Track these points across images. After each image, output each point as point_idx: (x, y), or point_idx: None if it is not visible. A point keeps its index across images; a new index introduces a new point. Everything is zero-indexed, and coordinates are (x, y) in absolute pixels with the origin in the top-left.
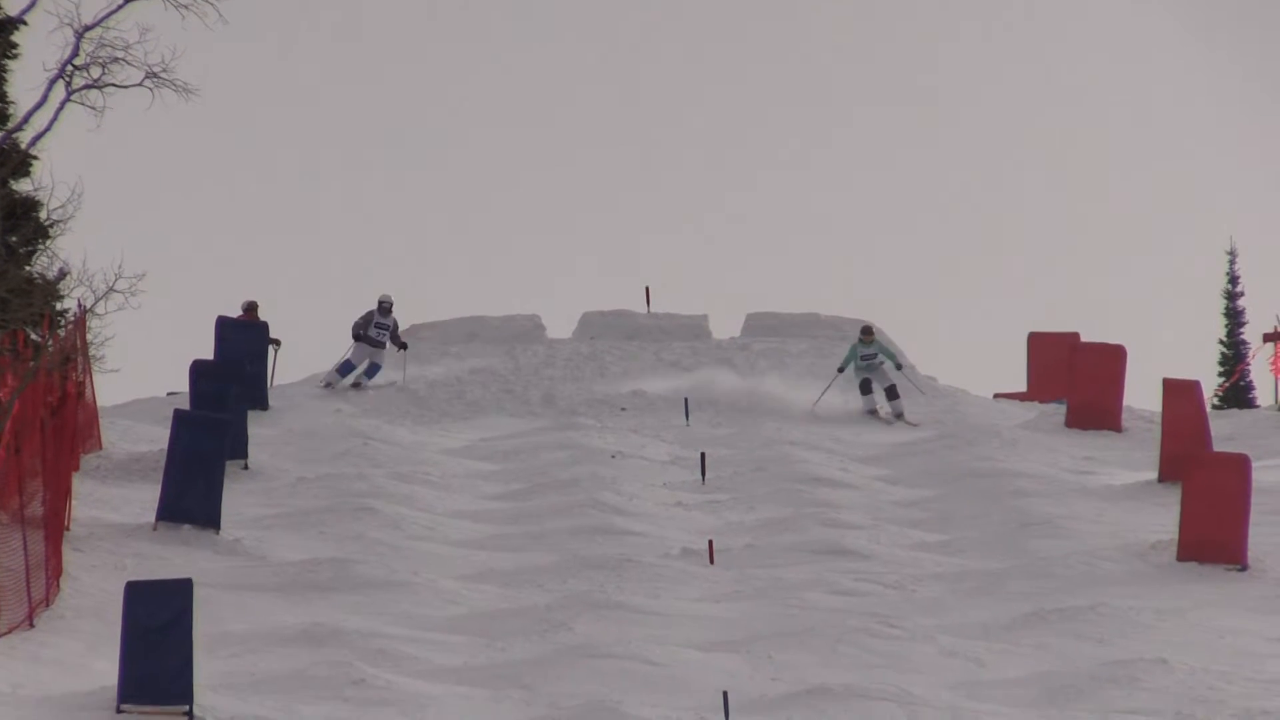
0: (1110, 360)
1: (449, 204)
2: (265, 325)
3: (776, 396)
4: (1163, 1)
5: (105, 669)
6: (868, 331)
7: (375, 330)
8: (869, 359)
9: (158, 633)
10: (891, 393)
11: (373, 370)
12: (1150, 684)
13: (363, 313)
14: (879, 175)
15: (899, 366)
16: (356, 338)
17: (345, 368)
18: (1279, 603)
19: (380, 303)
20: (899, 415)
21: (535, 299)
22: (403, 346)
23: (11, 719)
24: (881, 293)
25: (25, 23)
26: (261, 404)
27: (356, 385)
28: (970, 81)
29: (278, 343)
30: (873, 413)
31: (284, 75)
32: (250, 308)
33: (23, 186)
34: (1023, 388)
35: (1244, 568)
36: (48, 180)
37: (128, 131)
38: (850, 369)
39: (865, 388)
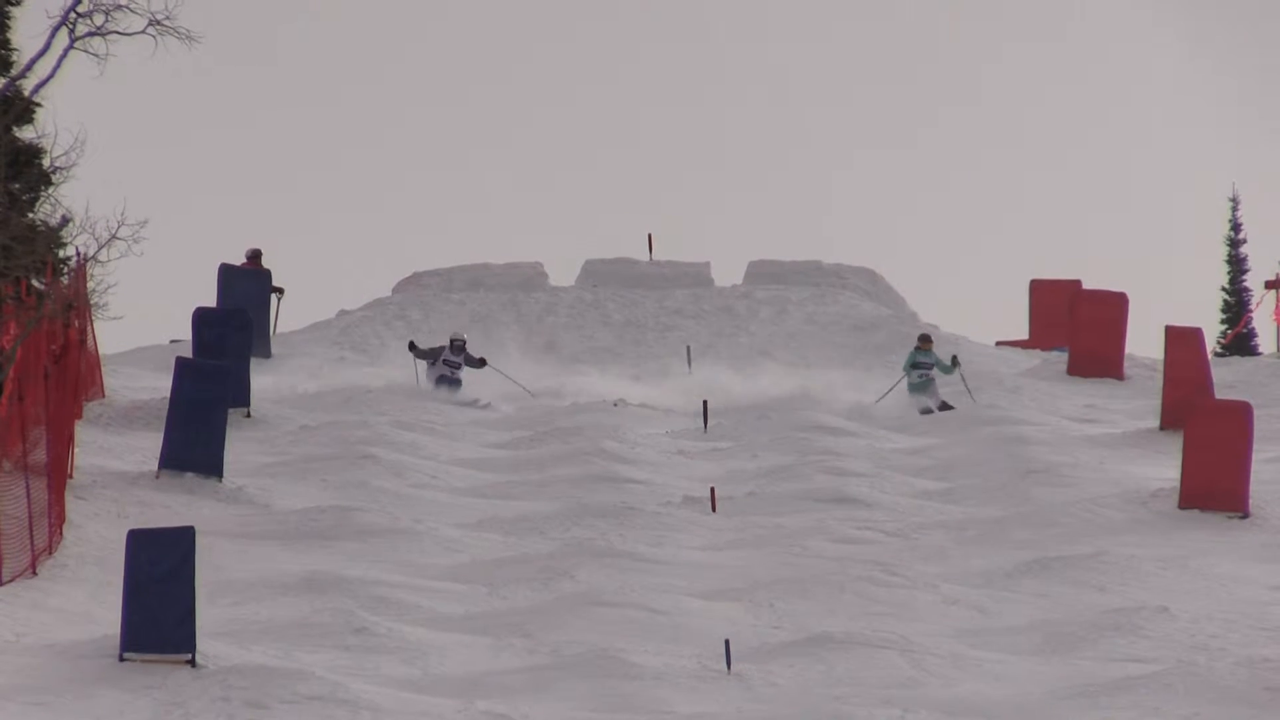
0: (1112, 307)
1: (453, 151)
2: (268, 273)
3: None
4: None
5: (108, 617)
6: (926, 340)
7: (445, 366)
8: (924, 368)
9: (160, 581)
10: (943, 407)
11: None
12: (1152, 632)
13: (432, 346)
14: (882, 124)
15: (955, 362)
16: (418, 354)
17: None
18: None
19: (452, 341)
20: (944, 406)
21: (538, 246)
22: (481, 364)
23: (15, 667)
24: (884, 240)
25: None
26: (264, 352)
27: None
28: (973, 29)
29: (280, 291)
30: (926, 410)
31: (285, 22)
32: (255, 255)
33: (26, 134)
34: (1024, 335)
35: (1245, 515)
36: (51, 128)
37: (131, 79)
38: (907, 377)
39: (917, 392)
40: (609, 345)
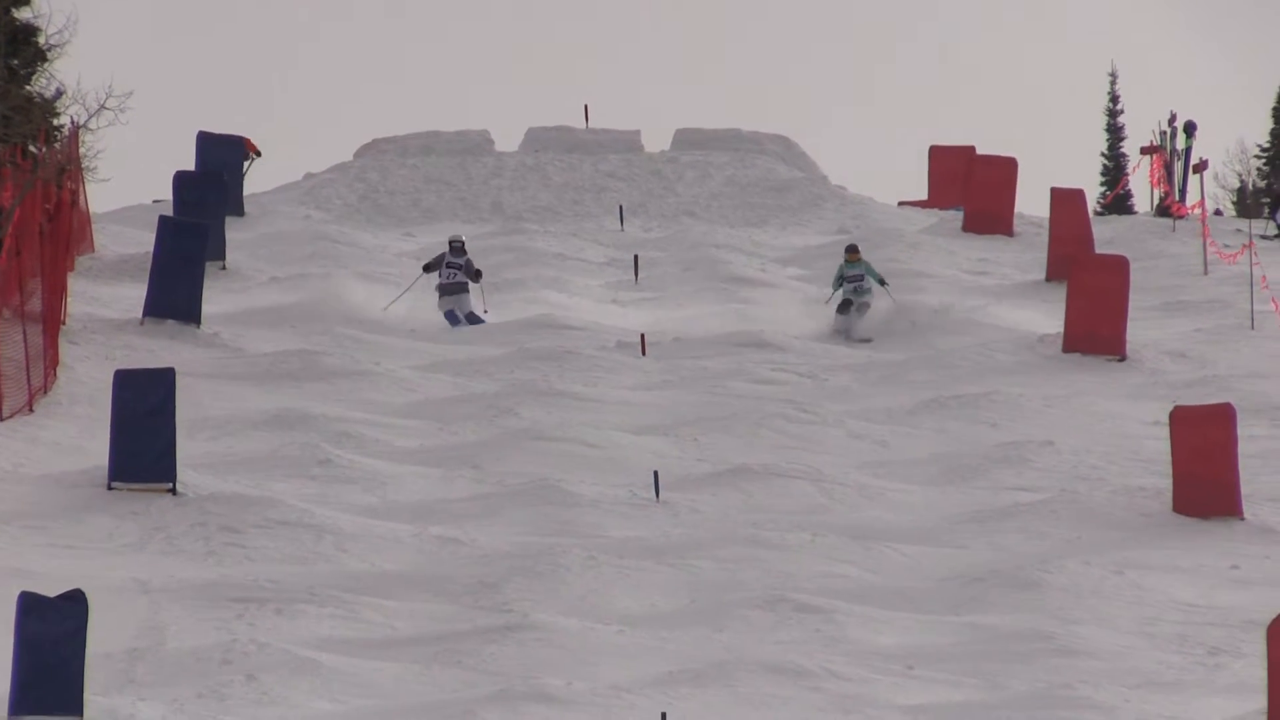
0: (1003, 171)
1: (411, 28)
2: (242, 140)
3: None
4: None
5: (97, 450)
6: (853, 250)
7: (448, 272)
8: (855, 280)
9: (144, 417)
10: (862, 309)
11: (454, 319)
12: (1038, 463)
13: (434, 254)
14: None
15: (883, 283)
16: (428, 269)
17: (451, 317)
18: (1154, 390)
19: (450, 243)
20: (863, 339)
21: (485, 116)
22: (478, 277)
23: (14, 495)
24: (798, 109)
25: None
26: (237, 211)
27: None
28: None
29: (251, 156)
30: (843, 333)
31: None
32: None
33: (23, 14)
34: (924, 196)
35: (1123, 358)
36: (46, 8)
37: None
38: (838, 290)
39: (844, 309)
40: (549, 205)
